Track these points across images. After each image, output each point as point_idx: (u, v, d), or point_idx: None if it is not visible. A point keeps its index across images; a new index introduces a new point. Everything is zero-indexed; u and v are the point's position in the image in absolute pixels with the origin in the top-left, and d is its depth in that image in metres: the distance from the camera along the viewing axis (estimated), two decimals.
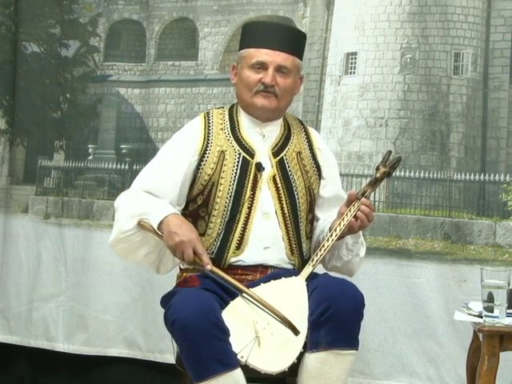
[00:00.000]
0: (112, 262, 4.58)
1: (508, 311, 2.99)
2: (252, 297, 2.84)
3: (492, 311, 2.96)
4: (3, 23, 4.92)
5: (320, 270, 3.11)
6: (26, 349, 4.76)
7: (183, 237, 2.88)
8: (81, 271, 4.69)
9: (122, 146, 4.80)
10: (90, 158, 4.83)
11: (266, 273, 3.05)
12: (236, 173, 3.07)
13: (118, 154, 4.80)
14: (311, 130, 3.29)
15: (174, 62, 4.78)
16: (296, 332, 2.81)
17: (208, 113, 3.19)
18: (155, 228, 2.91)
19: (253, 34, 3.14)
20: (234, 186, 3.06)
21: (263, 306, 2.82)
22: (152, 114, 4.74)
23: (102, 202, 4.77)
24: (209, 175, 3.07)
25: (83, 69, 4.87)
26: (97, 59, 4.88)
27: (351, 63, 4.36)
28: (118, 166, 4.76)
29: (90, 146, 4.85)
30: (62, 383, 4.70)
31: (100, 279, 4.64)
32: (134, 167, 4.70)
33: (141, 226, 2.95)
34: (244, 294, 2.86)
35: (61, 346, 4.69)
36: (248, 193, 3.06)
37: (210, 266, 2.89)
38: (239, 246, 3.05)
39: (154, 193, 3.04)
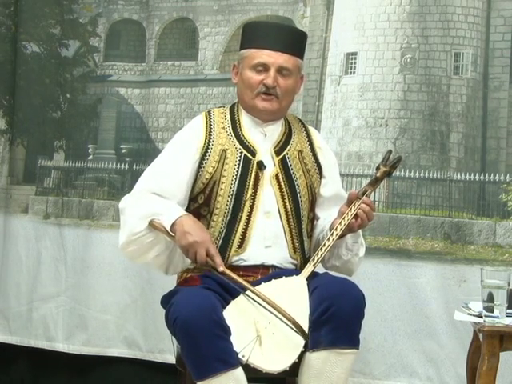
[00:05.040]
0: (112, 262, 4.58)
1: (508, 311, 2.99)
2: (265, 300, 2.80)
3: (492, 311, 2.96)
4: (3, 23, 4.92)
5: (320, 269, 3.11)
6: (26, 349, 4.76)
7: (196, 237, 2.87)
8: (81, 271, 4.69)
9: (122, 146, 4.80)
10: (90, 158, 4.83)
11: (267, 273, 3.05)
12: (237, 171, 3.07)
13: (118, 154, 4.79)
14: (312, 130, 3.30)
15: (174, 62, 4.77)
16: (305, 337, 2.80)
17: (209, 112, 3.20)
18: (167, 229, 2.91)
19: (254, 34, 3.14)
20: (236, 185, 3.06)
21: (276, 310, 2.79)
22: (152, 114, 4.74)
23: (102, 202, 4.76)
24: (210, 174, 3.07)
25: (83, 69, 4.87)
26: (97, 59, 4.87)
27: (351, 63, 4.36)
28: (118, 166, 4.76)
29: (89, 146, 4.85)
30: (61, 383, 4.70)
31: (100, 279, 4.63)
32: (134, 167, 4.71)
33: (152, 226, 2.93)
34: (257, 299, 2.82)
35: (61, 346, 4.69)
36: (249, 191, 3.06)
37: (222, 268, 2.88)
38: (241, 245, 3.05)
39: (161, 194, 3.03)
